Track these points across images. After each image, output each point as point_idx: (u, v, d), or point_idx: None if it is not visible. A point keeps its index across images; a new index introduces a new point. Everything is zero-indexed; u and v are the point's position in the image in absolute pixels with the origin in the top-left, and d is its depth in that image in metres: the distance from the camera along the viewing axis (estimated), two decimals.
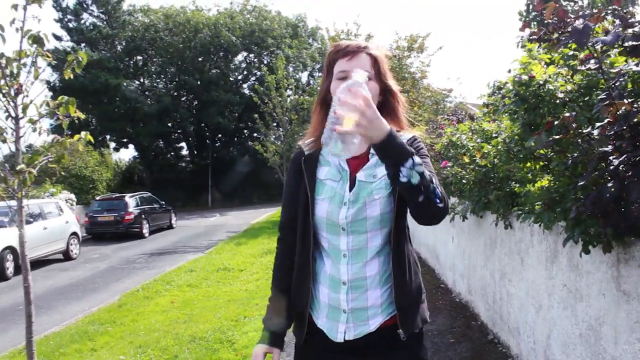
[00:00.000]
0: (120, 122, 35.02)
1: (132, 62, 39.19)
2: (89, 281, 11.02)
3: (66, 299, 9.34)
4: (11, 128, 4.18)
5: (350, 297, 1.71)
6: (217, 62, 39.69)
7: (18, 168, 4.02)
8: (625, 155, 1.97)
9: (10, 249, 11.99)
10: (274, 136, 22.45)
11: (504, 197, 3.89)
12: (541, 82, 2.56)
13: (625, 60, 2.07)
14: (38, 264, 13.30)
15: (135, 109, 34.77)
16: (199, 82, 37.47)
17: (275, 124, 21.46)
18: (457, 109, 12.65)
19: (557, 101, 2.55)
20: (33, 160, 4.17)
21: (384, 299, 1.73)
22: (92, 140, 4.72)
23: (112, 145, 39.04)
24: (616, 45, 2.07)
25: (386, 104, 1.77)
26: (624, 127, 2.01)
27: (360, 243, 1.71)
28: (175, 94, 39.27)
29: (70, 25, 36.42)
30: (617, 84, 2.04)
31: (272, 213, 26.72)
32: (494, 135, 3.92)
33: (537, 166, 3.20)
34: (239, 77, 41.95)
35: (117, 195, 20.34)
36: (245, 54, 40.90)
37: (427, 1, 70.83)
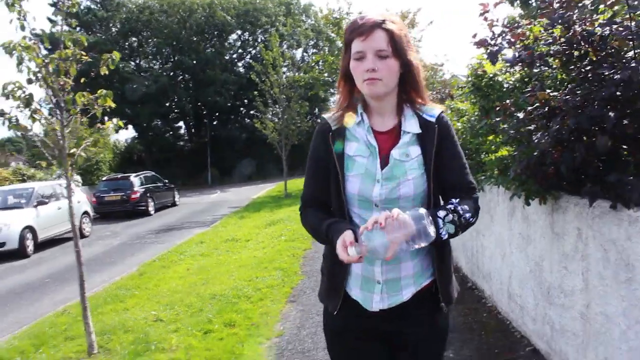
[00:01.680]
0: (118, 103, 35.47)
1: (127, 43, 39.55)
2: (105, 256, 11.80)
3: (88, 271, 9.87)
4: (57, 118, 4.92)
5: (384, 269, 1.76)
6: (212, 41, 40.16)
7: (71, 152, 4.75)
8: (543, 131, 2.74)
9: (29, 228, 12.69)
10: (271, 113, 23.11)
11: (474, 166, 4.66)
12: (491, 75, 3.30)
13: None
14: (55, 242, 14.06)
15: (133, 89, 35.30)
16: (195, 62, 37.99)
17: (272, 102, 22.10)
18: (446, 85, 13.33)
19: (504, 90, 3.30)
20: (79, 145, 4.91)
21: (417, 270, 1.78)
22: (122, 125, 5.45)
23: (111, 126, 39.59)
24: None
25: (407, 78, 1.76)
26: (545, 110, 2.79)
27: None
28: (172, 74, 39.75)
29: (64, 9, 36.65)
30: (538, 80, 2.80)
31: (271, 188, 27.48)
32: (466, 114, 4.68)
33: (497, 139, 3.98)
34: (234, 56, 42.44)
35: (123, 175, 21.06)
36: (239, 32, 41.31)
37: None
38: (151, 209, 19.95)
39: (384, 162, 1.73)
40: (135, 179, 19.86)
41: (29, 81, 4.71)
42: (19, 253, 12.18)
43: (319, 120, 1.93)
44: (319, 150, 1.85)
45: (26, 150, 45.18)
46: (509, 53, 3.07)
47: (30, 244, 12.64)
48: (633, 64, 2.10)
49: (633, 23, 2.17)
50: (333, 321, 1.90)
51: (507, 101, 3.03)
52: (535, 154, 2.83)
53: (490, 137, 4.00)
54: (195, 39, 39.04)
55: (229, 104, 39.86)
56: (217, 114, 41.49)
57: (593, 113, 2.32)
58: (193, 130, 42.67)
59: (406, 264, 1.77)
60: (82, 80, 5.05)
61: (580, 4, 2.52)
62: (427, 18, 47.42)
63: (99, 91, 4.92)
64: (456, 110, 5.21)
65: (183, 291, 7.03)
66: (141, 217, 19.08)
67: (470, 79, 3.45)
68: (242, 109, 41.96)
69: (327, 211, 1.85)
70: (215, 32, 39.59)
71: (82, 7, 37.03)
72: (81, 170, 24.07)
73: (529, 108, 2.90)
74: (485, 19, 3.02)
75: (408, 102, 1.80)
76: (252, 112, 38.97)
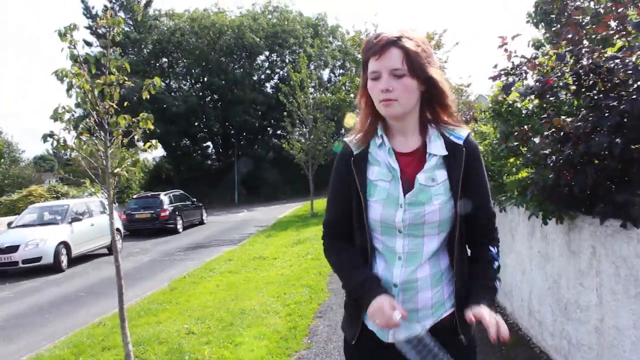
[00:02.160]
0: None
1: (158, 64, 40.53)
2: (136, 272, 12.16)
3: (125, 284, 10.45)
4: (102, 139, 5.25)
5: (401, 299, 1.68)
6: (241, 62, 40.91)
7: (116, 171, 5.06)
8: (557, 155, 2.94)
9: (64, 244, 13.13)
10: (298, 133, 23.49)
11: (497, 187, 4.85)
12: (511, 102, 3.51)
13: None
14: (87, 257, 14.48)
15: (164, 109, 36.09)
16: (223, 82, 38.68)
17: (300, 122, 22.47)
18: (470, 107, 13.48)
19: (522, 115, 3.50)
20: (121, 164, 5.22)
21: (435, 301, 1.71)
22: (158, 146, 5.76)
23: (140, 145, 40.55)
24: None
25: (431, 95, 1.69)
26: (560, 135, 2.98)
27: (416, 247, 1.68)
28: (201, 94, 40.57)
29: (100, 31, 37.88)
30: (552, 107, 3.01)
31: (297, 208, 27.76)
32: (487, 138, 4.88)
33: (518, 162, 4.16)
34: (262, 76, 43.11)
35: (153, 193, 21.55)
36: (267, 53, 42.00)
37: None
38: (180, 227, 20.36)
39: (408, 186, 1.67)
40: (164, 198, 20.32)
41: (77, 105, 5.04)
42: (54, 268, 12.60)
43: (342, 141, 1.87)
44: (340, 176, 1.80)
45: (58, 167, 46.35)
46: (531, 80, 3.28)
47: (64, 259, 13.05)
48: (634, 96, 2.29)
49: (634, 58, 2.37)
50: (351, 351, 1.86)
51: (525, 127, 3.24)
52: (550, 176, 3.02)
53: (511, 160, 4.19)
54: (224, 59, 39.83)
55: (257, 124, 40.44)
56: (244, 133, 42.09)
57: (602, 139, 2.52)
58: (220, 150, 43.33)
59: (424, 294, 1.70)
60: (125, 103, 5.35)
61: (590, 36, 2.73)
62: (453, 39, 47.77)
63: (140, 114, 5.22)
64: (479, 133, 5.41)
65: (213, 306, 7.27)
66: (170, 235, 19.48)
67: (491, 105, 3.67)
68: (269, 128, 42.53)
69: (351, 247, 1.81)
70: (244, 54, 40.35)
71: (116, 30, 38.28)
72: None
73: (545, 133, 3.10)
74: (505, 50, 3.24)
75: (433, 122, 1.73)
76: (279, 132, 39.55)
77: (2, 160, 31.11)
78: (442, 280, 1.71)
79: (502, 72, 3.23)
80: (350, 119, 1.68)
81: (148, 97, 5.37)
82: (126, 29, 38.72)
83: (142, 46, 39.17)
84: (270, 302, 6.98)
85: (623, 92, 2.47)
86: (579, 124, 2.68)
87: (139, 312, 7.32)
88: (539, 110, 3.48)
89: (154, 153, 43.50)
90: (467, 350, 1.75)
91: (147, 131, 5.51)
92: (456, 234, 1.68)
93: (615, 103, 2.42)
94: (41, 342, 6.68)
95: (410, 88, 1.62)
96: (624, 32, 2.69)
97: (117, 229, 16.09)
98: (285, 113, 22.40)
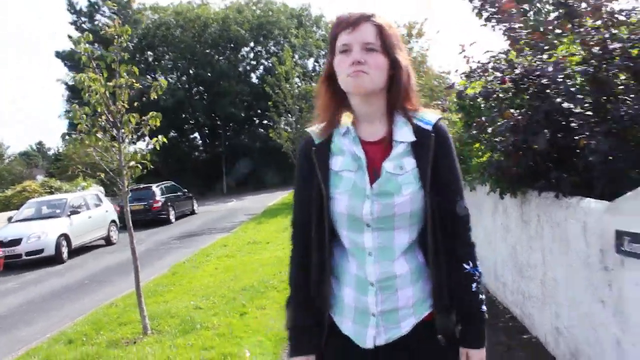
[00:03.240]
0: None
1: (144, 58, 40.79)
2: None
3: (121, 274, 11.06)
4: (114, 136, 5.87)
5: (379, 299, 1.58)
6: (226, 54, 41.30)
7: (131, 164, 5.68)
8: (506, 143, 3.64)
9: (64, 236, 13.70)
10: (284, 123, 24.12)
11: (465, 170, 5.54)
12: (473, 94, 4.19)
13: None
14: (85, 249, 15.07)
15: (151, 103, 36.33)
16: (210, 74, 39.12)
17: (286, 112, 23.05)
18: (448, 93, 14.12)
19: (481, 108, 4.18)
20: (134, 159, 5.84)
21: (417, 298, 1.61)
22: (165, 141, 6.37)
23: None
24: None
25: (397, 79, 1.60)
26: (509, 125, 3.68)
27: (386, 240, 1.58)
28: (187, 86, 40.97)
29: (84, 26, 38.09)
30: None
31: (285, 195, 28.37)
32: (455, 126, 5.58)
33: (482, 147, 4.85)
34: (247, 68, 43.55)
35: (144, 185, 22.06)
36: (252, 44, 42.43)
37: None
38: (172, 217, 20.95)
39: (375, 176, 1.57)
40: (156, 189, 20.87)
41: (93, 107, 5.64)
42: (55, 259, 13.19)
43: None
44: (303, 170, 1.70)
45: (42, 163, 46.52)
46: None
47: (65, 251, 13.64)
48: (555, 99, 2.99)
49: (551, 68, 3.06)
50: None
51: (483, 118, 3.93)
52: (502, 158, 3.72)
53: (477, 145, 4.88)
54: (209, 52, 40.24)
55: (243, 115, 40.93)
56: (231, 124, 42.57)
57: (535, 130, 3.22)
58: (207, 141, 43.80)
59: (404, 292, 1.59)
60: (135, 103, 5.95)
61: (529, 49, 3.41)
62: (435, 27, 48.44)
63: (150, 113, 5.83)
64: (451, 122, 6.10)
65: (215, 286, 7.94)
66: (163, 225, 20.05)
67: (455, 99, 4.34)
68: (255, 119, 43.05)
69: (310, 251, 1.67)
70: (230, 45, 40.77)
71: (100, 25, 38.47)
72: (101, 182, 25.07)
73: (498, 123, 3.79)
74: (465, 57, 3.92)
75: (399, 108, 1.63)
76: (265, 122, 40.07)
77: None
78: (421, 276, 1.61)
79: (462, 75, 3.91)
80: (347, 119, 1.64)
81: (156, 97, 5.96)
82: (110, 22, 38.91)
83: (127, 41, 39.33)
84: (268, 279, 7.66)
85: (549, 92, 3.15)
86: (519, 117, 3.37)
87: (147, 294, 7.91)
88: (495, 103, 4.17)
89: (140, 145, 43.95)
90: (446, 351, 1.62)
91: (154, 127, 6.13)
92: (428, 226, 1.57)
93: (539, 103, 3.12)
94: (57, 324, 7.28)
95: (382, 65, 1.56)
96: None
97: (113, 221, 16.72)
98: (270, 103, 22.98)
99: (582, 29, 3.31)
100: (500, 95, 3.58)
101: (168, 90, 39.74)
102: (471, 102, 4.16)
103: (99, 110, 5.71)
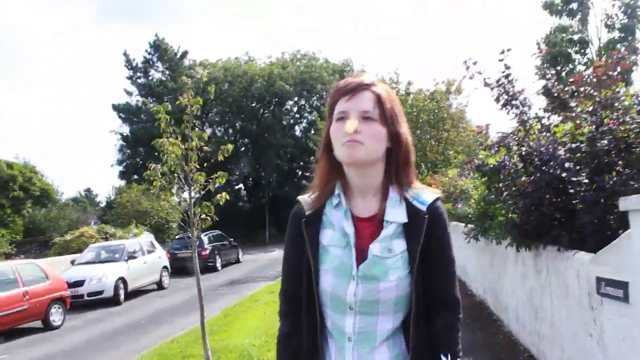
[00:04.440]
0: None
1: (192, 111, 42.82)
2: (187, 304, 13.63)
3: (175, 315, 11.98)
4: (186, 190, 6.84)
5: (356, 354, 1.50)
6: (271, 108, 43.09)
7: (203, 216, 6.62)
8: (518, 205, 4.42)
9: (122, 279, 14.74)
10: None
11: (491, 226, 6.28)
12: (491, 165, 4.99)
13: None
14: (139, 292, 16.06)
15: (199, 157, 38.07)
16: (255, 127, 40.81)
17: None
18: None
19: (505, 174, 4.97)
20: (204, 211, 6.78)
21: (394, 354, 1.51)
22: (227, 198, 7.30)
23: (175, 188, 42.80)
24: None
25: (396, 152, 1.54)
26: (525, 192, 4.46)
27: (368, 326, 1.49)
28: (233, 139, 42.74)
29: (139, 81, 40.57)
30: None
31: None
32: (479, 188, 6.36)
33: (501, 208, 5.62)
34: (291, 121, 45.23)
35: None
36: (296, 99, 44.16)
37: (465, 45, 74.05)
38: (219, 265, 21.92)
39: (363, 256, 1.49)
40: (204, 238, 21.94)
41: (170, 167, 6.64)
42: (113, 300, 14.20)
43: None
44: (292, 239, 1.62)
45: (90, 208, 48.40)
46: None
47: (122, 293, 14.65)
48: (548, 170, 3.80)
49: (544, 148, 3.89)
50: None
51: (500, 184, 4.73)
52: (516, 218, 4.49)
53: (498, 205, 5.65)
54: (255, 105, 42.07)
55: (287, 167, 42.27)
56: (275, 175, 43.93)
57: (538, 195, 4.00)
58: (252, 191, 45.20)
59: (380, 350, 1.50)
60: (205, 164, 6.93)
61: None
62: (472, 84, 49.65)
63: (218, 172, 6.79)
64: (480, 184, 6.87)
65: (266, 327, 8.71)
66: (210, 273, 20.98)
67: (476, 167, 5.16)
68: (299, 171, 44.34)
69: (299, 330, 1.61)
70: (274, 100, 42.54)
71: (154, 80, 40.89)
72: (154, 230, 26.39)
73: (513, 189, 4.59)
74: (483, 136, 4.77)
75: (395, 184, 1.55)
76: (307, 174, 41.27)
77: (50, 203, 33.19)
78: (397, 333, 1.52)
79: (481, 148, 4.74)
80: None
81: (223, 159, 6.92)
82: (163, 78, 41.31)
83: (178, 94, 41.52)
84: None
85: (544, 168, 3.96)
86: (528, 184, 4.16)
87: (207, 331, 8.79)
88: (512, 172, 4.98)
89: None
90: None
91: (219, 184, 7.09)
92: (412, 315, 1.48)
93: (539, 174, 3.92)
94: (123, 357, 8.17)
95: (379, 135, 1.48)
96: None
97: (165, 267, 17.77)
98: (312, 158, 24.01)
99: (574, 114, 4.14)
100: (511, 168, 4.39)
101: (215, 143, 41.74)
102: (491, 171, 4.96)
103: (174, 169, 6.69)
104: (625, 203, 2.85)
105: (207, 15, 78.05)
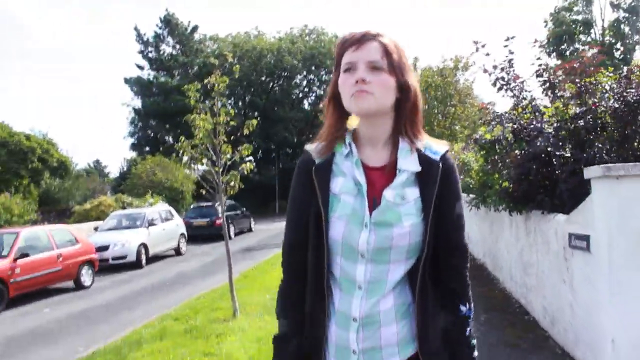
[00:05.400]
0: (191, 138, 39.41)
1: (203, 85, 43.48)
2: (205, 268, 14.53)
3: (196, 278, 12.85)
4: (213, 161, 7.58)
5: (361, 336, 1.48)
6: (280, 82, 43.64)
7: (232, 184, 7.38)
8: (510, 175, 5.15)
9: (143, 245, 15.61)
10: None
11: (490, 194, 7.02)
12: (489, 139, 5.71)
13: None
14: (159, 257, 16.95)
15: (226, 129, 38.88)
16: (264, 101, 41.45)
17: None
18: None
19: (499, 148, 5.69)
20: (231, 180, 7.53)
21: (402, 336, 1.51)
22: (252, 168, 8.04)
23: (185, 159, 43.71)
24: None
25: (404, 102, 1.52)
26: (516, 163, 5.19)
27: (380, 274, 1.48)
28: (243, 112, 43.44)
29: (150, 55, 41.15)
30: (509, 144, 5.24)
31: None
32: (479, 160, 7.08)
33: (498, 177, 6.35)
34: (300, 95, 45.80)
35: (208, 203, 24.05)
36: (305, 73, 44.67)
37: (474, 22, 73.86)
38: (232, 233, 22.78)
39: (375, 204, 1.48)
40: (219, 207, 22.67)
41: (201, 139, 7.37)
42: (136, 264, 15.09)
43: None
44: (300, 189, 1.60)
45: (99, 179, 49.37)
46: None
47: (143, 258, 15.54)
48: (538, 144, 4.54)
49: (533, 125, 4.61)
50: None
51: (496, 157, 5.46)
52: (510, 185, 5.24)
53: (496, 176, 6.39)
54: (265, 79, 42.62)
55: (295, 140, 43.01)
56: (285, 148, 44.70)
57: (527, 166, 4.74)
58: (262, 164, 46.03)
59: (388, 329, 1.50)
60: (232, 137, 7.66)
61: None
62: (480, 62, 50.00)
63: (243, 145, 7.53)
64: (480, 157, 7.60)
65: None
66: (224, 240, 21.87)
67: (476, 141, 5.88)
68: (307, 143, 45.06)
69: (302, 281, 1.58)
70: (283, 74, 43.09)
71: (165, 54, 41.44)
72: (169, 200, 27.25)
73: (507, 161, 5.32)
74: (485, 112, 5.48)
75: (405, 134, 1.55)
76: None
77: (66, 175, 34.04)
78: (409, 314, 1.52)
79: (485, 122, 5.47)
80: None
81: (248, 133, 7.65)
82: (174, 52, 41.84)
83: (188, 68, 42.18)
84: None
85: (533, 142, 4.69)
86: (518, 156, 4.90)
87: (228, 290, 9.64)
88: (508, 143, 5.70)
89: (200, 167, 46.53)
90: None
91: (245, 156, 7.83)
92: (421, 263, 1.49)
93: (528, 148, 4.67)
94: (155, 311, 9.01)
95: (388, 84, 1.48)
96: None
97: (182, 234, 18.64)
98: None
99: (562, 97, 4.85)
100: (504, 142, 5.13)
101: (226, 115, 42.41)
102: (488, 144, 5.68)
103: (205, 142, 7.43)
104: (588, 172, 3.60)
105: None
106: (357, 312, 1.48)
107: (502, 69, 5.54)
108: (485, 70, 5.54)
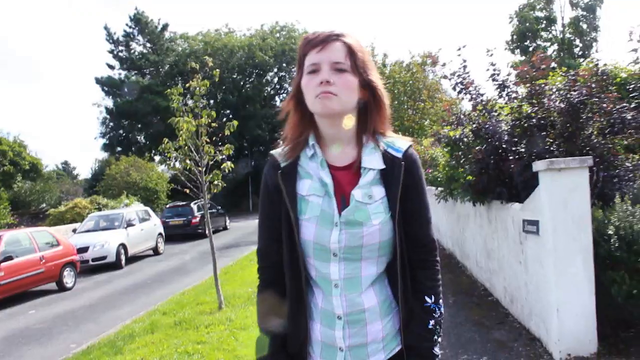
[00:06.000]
0: (169, 138, 39.42)
1: (174, 83, 43.52)
2: (184, 266, 14.87)
3: (176, 276, 13.19)
4: (196, 161, 7.98)
5: (347, 333, 1.53)
6: (252, 79, 43.89)
7: (216, 182, 7.78)
8: (472, 169, 5.69)
9: (122, 245, 15.85)
10: None
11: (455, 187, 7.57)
12: (456, 137, 6.23)
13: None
14: (137, 258, 17.20)
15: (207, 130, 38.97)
16: (236, 99, 41.67)
17: None
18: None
19: (462, 145, 6.22)
20: (214, 179, 7.94)
21: (387, 332, 1.56)
22: (232, 167, 8.46)
23: (157, 159, 43.69)
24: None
25: (370, 101, 1.56)
26: (476, 158, 5.72)
27: (353, 271, 1.52)
28: (215, 110, 43.54)
29: (121, 54, 41.02)
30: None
31: None
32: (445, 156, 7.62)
33: (462, 172, 6.89)
34: (271, 92, 46.10)
35: (184, 203, 24.29)
36: (276, 70, 45.01)
37: (441, 17, 74.98)
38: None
39: (344, 203, 1.51)
40: (194, 206, 23.07)
41: (184, 141, 7.76)
42: (115, 265, 15.33)
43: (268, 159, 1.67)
44: (268, 193, 1.62)
45: (68, 181, 48.96)
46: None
47: (123, 258, 15.77)
48: (495, 142, 5.08)
49: (488, 125, 5.15)
50: None
51: (460, 153, 6.00)
52: (471, 179, 5.78)
53: (461, 170, 6.93)
54: (236, 77, 42.81)
55: (268, 137, 43.31)
56: (258, 146, 44.97)
57: (486, 161, 5.28)
58: (234, 161, 46.23)
59: (374, 326, 1.54)
60: (213, 138, 8.05)
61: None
62: (446, 57, 50.55)
63: (225, 146, 7.93)
64: (446, 152, 8.13)
65: None
66: (200, 239, 22.15)
67: (444, 137, 6.43)
68: (280, 141, 45.34)
69: (280, 284, 1.61)
70: (255, 71, 43.33)
71: (136, 53, 41.34)
72: (144, 200, 27.38)
73: (469, 156, 5.86)
74: (449, 112, 6.00)
75: (369, 133, 1.58)
76: None
77: (36, 175, 33.82)
78: (391, 309, 1.57)
79: (449, 123, 6.01)
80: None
81: (229, 133, 8.04)
82: (144, 51, 41.76)
83: (160, 67, 42.15)
84: None
85: (489, 140, 5.23)
86: (478, 151, 5.43)
87: (210, 285, 10.05)
88: (470, 142, 6.23)
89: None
90: None
91: (229, 155, 8.22)
92: (398, 259, 1.53)
93: (485, 145, 5.21)
94: (141, 308, 9.37)
95: (352, 85, 1.50)
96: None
97: (160, 233, 18.91)
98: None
99: (516, 97, 5.42)
100: (465, 140, 5.67)
101: (198, 114, 42.49)
102: (453, 142, 6.21)
103: (187, 144, 7.81)
104: (535, 166, 4.15)
105: None
106: (341, 310, 1.52)
107: (459, 76, 6.06)
108: (444, 77, 6.05)
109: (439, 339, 1.58)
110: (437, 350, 1.57)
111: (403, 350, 1.56)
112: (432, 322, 1.56)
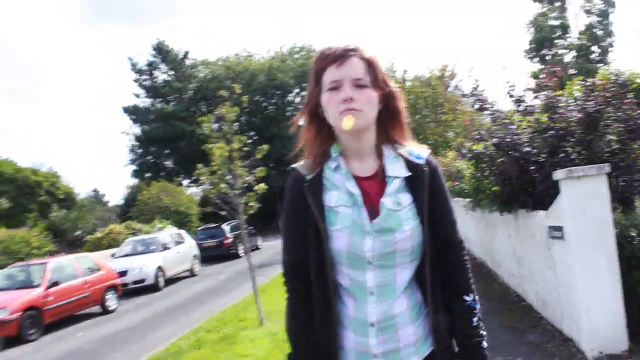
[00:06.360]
0: (196, 162, 40.13)
1: (198, 108, 44.37)
2: (221, 286, 15.25)
3: (214, 296, 13.56)
4: (231, 184, 8.36)
5: (380, 340, 1.55)
6: (274, 100, 44.58)
7: (250, 204, 8.15)
8: (496, 180, 5.96)
9: (160, 268, 16.33)
10: None
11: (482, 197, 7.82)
12: (479, 150, 6.51)
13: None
14: (175, 280, 17.65)
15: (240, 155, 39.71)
16: (260, 121, 42.34)
17: None
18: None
19: (485, 158, 6.49)
20: (249, 201, 8.31)
21: (419, 336, 1.59)
22: (266, 187, 8.81)
23: (186, 182, 44.45)
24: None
25: (389, 110, 1.61)
26: (499, 170, 6.00)
27: (388, 278, 1.55)
28: (239, 133, 44.24)
29: (145, 83, 42.12)
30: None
31: None
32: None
33: (488, 183, 7.15)
34: (294, 112, 46.66)
35: (216, 225, 24.75)
36: (298, 90, 45.65)
37: (457, 29, 75.28)
38: (240, 252, 23.51)
39: (372, 212, 1.55)
40: (226, 227, 23.56)
41: (218, 165, 8.15)
42: (154, 287, 15.85)
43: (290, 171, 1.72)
44: (294, 207, 1.64)
45: (98, 207, 49.97)
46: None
47: (161, 280, 16.28)
48: (515, 155, 5.36)
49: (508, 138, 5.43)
50: None
51: (484, 165, 6.28)
52: (495, 190, 6.05)
53: (487, 181, 7.19)
54: (259, 99, 43.54)
55: (292, 156, 43.78)
56: (282, 166, 45.51)
57: (510, 172, 5.56)
58: (261, 182, 46.74)
59: (405, 331, 1.56)
60: (246, 161, 8.44)
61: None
62: (464, 70, 50.83)
63: (257, 169, 8.31)
64: (471, 165, 8.39)
65: None
66: (233, 259, 22.58)
67: (468, 151, 6.72)
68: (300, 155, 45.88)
69: (308, 299, 1.61)
70: (277, 92, 44.01)
71: (160, 81, 42.42)
72: (176, 223, 27.91)
73: (493, 168, 6.13)
74: (467, 129, 6.29)
75: (388, 142, 1.64)
76: None
77: (70, 204, 34.73)
78: (421, 313, 1.60)
79: (471, 137, 6.31)
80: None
81: (262, 157, 8.43)
82: (168, 79, 42.78)
83: (183, 94, 43.07)
84: None
85: (510, 153, 5.51)
86: (502, 164, 5.71)
87: (248, 303, 10.39)
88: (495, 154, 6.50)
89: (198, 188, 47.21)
90: None
91: (260, 178, 8.59)
92: (427, 262, 1.57)
93: (506, 158, 5.49)
94: (183, 328, 9.72)
95: (374, 100, 1.55)
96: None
97: (195, 255, 19.37)
98: None
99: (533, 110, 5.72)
100: (488, 153, 5.96)
101: (223, 138, 43.28)
102: (476, 156, 6.49)
103: (221, 168, 8.20)
104: (556, 174, 4.42)
105: (200, 11, 79.34)
106: (374, 317, 1.54)
107: (474, 94, 6.39)
108: (463, 95, 6.36)
109: (485, 333, 1.64)
110: (485, 344, 1.63)
111: (435, 351, 1.59)
112: (474, 319, 1.62)
